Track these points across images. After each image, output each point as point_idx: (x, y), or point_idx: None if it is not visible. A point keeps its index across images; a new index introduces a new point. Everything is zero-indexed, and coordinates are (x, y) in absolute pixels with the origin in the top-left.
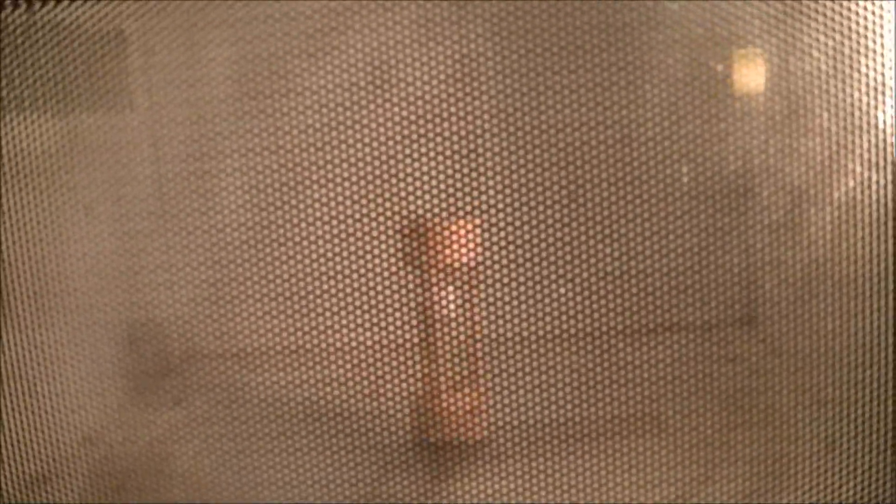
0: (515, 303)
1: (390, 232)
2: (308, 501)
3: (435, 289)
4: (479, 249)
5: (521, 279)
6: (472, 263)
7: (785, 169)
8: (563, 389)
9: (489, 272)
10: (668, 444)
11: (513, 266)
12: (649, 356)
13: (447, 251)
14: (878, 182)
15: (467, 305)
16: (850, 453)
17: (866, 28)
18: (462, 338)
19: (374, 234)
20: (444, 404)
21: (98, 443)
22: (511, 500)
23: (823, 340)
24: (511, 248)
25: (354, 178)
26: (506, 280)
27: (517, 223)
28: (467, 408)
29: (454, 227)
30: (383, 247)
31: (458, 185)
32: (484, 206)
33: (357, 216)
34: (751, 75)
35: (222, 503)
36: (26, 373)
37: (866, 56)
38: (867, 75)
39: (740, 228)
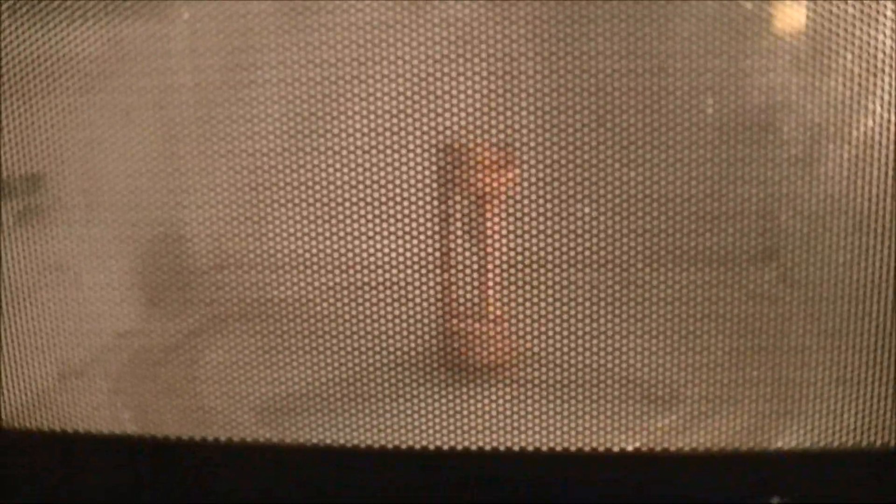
0: (542, 226)
1: (423, 149)
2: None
3: (464, 209)
4: (510, 171)
5: (548, 200)
6: (501, 184)
7: (806, 106)
8: (583, 312)
9: (518, 193)
10: (681, 366)
11: (540, 186)
12: (668, 282)
13: (477, 171)
14: None
15: (494, 225)
16: (860, 385)
17: None
18: (485, 258)
19: (407, 150)
20: (464, 325)
21: (132, 337)
22: (523, 424)
23: (836, 273)
24: (539, 168)
25: (389, 94)
26: (533, 200)
27: (546, 144)
28: (486, 330)
29: (485, 148)
30: (416, 164)
31: (492, 105)
32: (515, 127)
33: (391, 131)
34: (778, 15)
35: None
36: (67, 267)
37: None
38: (893, 20)
39: (760, 160)
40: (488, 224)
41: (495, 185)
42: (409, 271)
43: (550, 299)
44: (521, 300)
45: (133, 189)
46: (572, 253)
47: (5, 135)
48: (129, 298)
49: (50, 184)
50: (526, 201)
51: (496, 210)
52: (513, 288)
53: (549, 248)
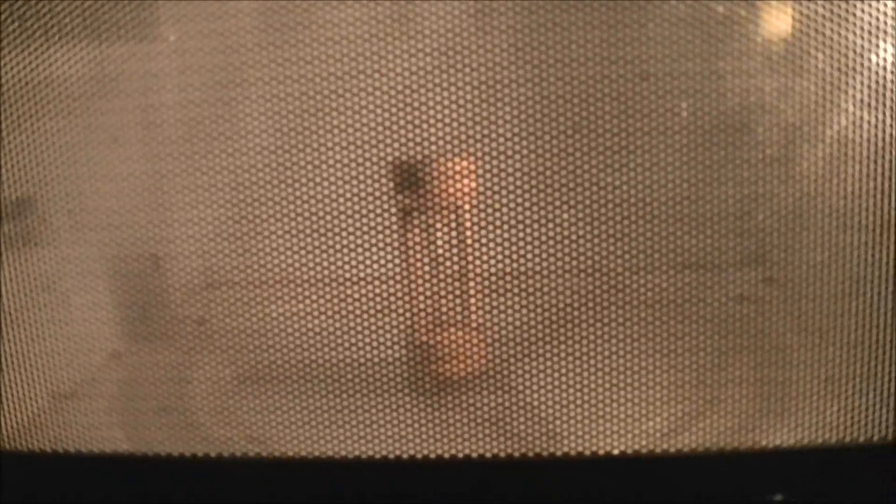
0: (524, 234)
1: (407, 162)
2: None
3: (445, 221)
4: (491, 180)
5: (528, 207)
6: (483, 194)
7: (780, 107)
8: (567, 318)
9: (499, 203)
10: (671, 370)
11: (521, 195)
12: (650, 285)
13: (460, 183)
14: (869, 121)
15: (477, 236)
16: (851, 387)
17: None
18: (468, 269)
19: (392, 164)
20: (450, 335)
21: (124, 358)
22: (512, 431)
23: (814, 271)
24: (520, 176)
25: (373, 108)
26: (513, 208)
27: (525, 152)
28: (469, 338)
29: (468, 158)
30: (399, 177)
31: (475, 117)
32: (500, 139)
33: (376, 145)
34: (750, 17)
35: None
36: (59, 287)
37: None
38: (862, 19)
39: (736, 162)
40: (469, 233)
41: (476, 194)
42: (389, 281)
43: (534, 306)
44: (504, 308)
45: (119, 208)
46: (554, 259)
47: None
48: (118, 318)
49: (37, 205)
50: (506, 209)
51: (478, 220)
52: (495, 296)
53: (531, 256)
